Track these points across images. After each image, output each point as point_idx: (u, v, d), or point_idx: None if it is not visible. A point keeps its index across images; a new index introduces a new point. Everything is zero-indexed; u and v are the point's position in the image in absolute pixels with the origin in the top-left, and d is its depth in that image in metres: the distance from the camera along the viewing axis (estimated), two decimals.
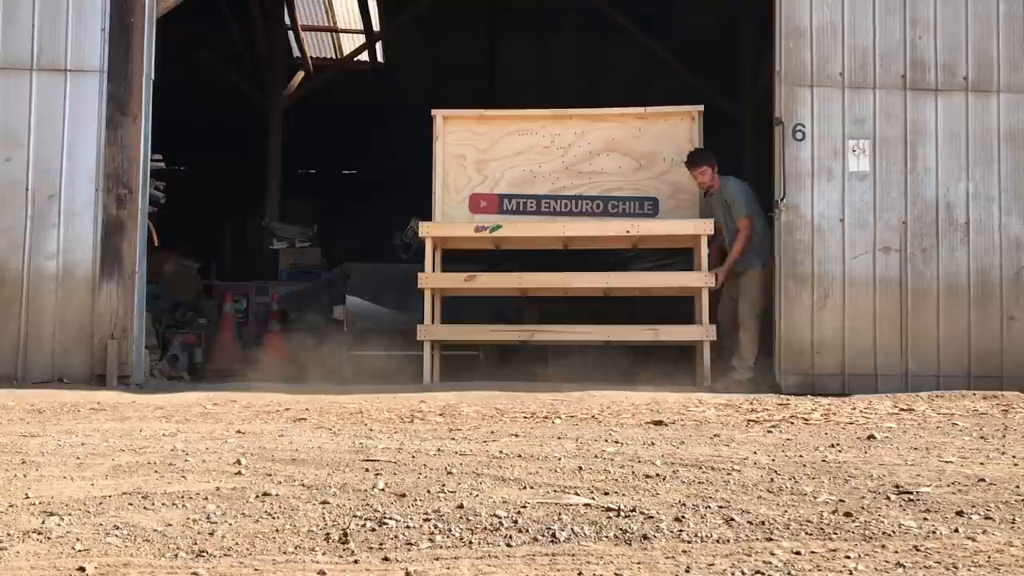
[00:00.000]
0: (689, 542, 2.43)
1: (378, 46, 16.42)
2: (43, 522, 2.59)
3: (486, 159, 8.28)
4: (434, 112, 8.41)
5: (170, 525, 2.57)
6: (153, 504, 2.82)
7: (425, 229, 8.00)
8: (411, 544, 2.40)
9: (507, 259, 8.79)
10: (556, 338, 8.09)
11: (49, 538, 2.44)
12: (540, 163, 8.21)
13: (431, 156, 8.42)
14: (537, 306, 9.19)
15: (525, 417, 5.32)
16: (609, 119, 8.24)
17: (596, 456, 3.75)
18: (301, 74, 15.72)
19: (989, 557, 2.30)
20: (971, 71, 7.72)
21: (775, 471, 3.41)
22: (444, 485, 3.10)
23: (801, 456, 3.79)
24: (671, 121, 8.13)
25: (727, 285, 7.95)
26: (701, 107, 8.13)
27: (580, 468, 3.45)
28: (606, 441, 4.20)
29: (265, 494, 2.95)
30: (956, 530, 2.56)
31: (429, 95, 15.54)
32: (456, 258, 8.51)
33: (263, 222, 13.45)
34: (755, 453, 3.86)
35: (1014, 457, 3.82)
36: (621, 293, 8.26)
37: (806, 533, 2.52)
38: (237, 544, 2.40)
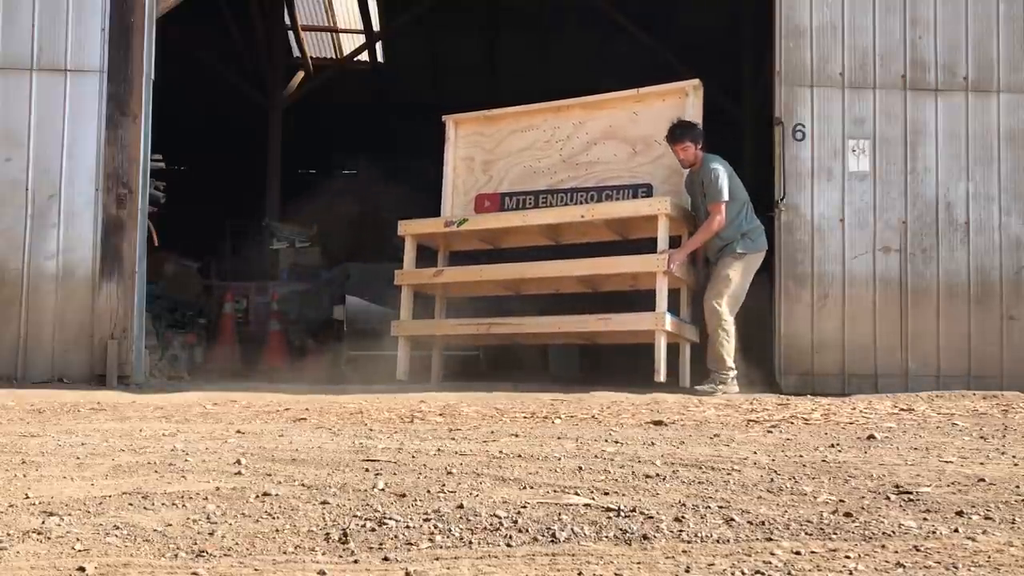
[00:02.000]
0: (689, 542, 2.43)
1: (378, 46, 16.43)
2: (43, 522, 2.59)
3: (492, 159, 8.28)
4: (445, 118, 8.49)
5: (170, 525, 2.57)
6: (153, 504, 2.82)
7: (403, 227, 8.08)
8: (411, 544, 2.40)
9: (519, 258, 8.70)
10: (512, 331, 7.88)
11: (49, 538, 2.43)
12: (540, 158, 8.07)
13: (433, 156, 8.47)
14: (538, 306, 9.19)
15: (525, 417, 5.32)
16: (606, 105, 7.96)
17: (596, 456, 3.75)
18: (301, 74, 15.75)
19: (989, 557, 2.30)
20: (971, 71, 7.73)
21: (775, 471, 3.41)
22: (444, 485, 3.10)
23: (801, 456, 3.79)
24: (669, 101, 7.67)
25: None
26: (696, 81, 7.63)
27: (580, 468, 3.45)
28: (606, 441, 4.20)
29: (265, 494, 2.95)
30: (956, 530, 2.56)
31: (430, 95, 15.55)
32: (458, 259, 8.53)
33: (263, 222, 13.45)
34: (755, 453, 3.86)
35: (1014, 457, 3.82)
36: (583, 281, 7.81)
37: (806, 533, 2.52)
38: (237, 544, 2.40)
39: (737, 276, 7.18)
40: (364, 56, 16.65)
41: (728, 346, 7.10)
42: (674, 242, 7.26)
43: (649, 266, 7.08)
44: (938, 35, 7.74)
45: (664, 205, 7.08)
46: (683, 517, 2.66)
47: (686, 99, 7.53)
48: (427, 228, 8.10)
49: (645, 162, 7.70)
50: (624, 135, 7.83)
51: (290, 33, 15.83)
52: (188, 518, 2.65)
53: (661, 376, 6.84)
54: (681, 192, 7.47)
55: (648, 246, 7.28)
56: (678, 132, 7.19)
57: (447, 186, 8.36)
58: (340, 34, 16.61)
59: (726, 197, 7.13)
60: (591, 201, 7.70)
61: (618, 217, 7.38)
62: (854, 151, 7.66)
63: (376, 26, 15.90)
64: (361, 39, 16.37)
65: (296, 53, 16.05)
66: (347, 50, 16.64)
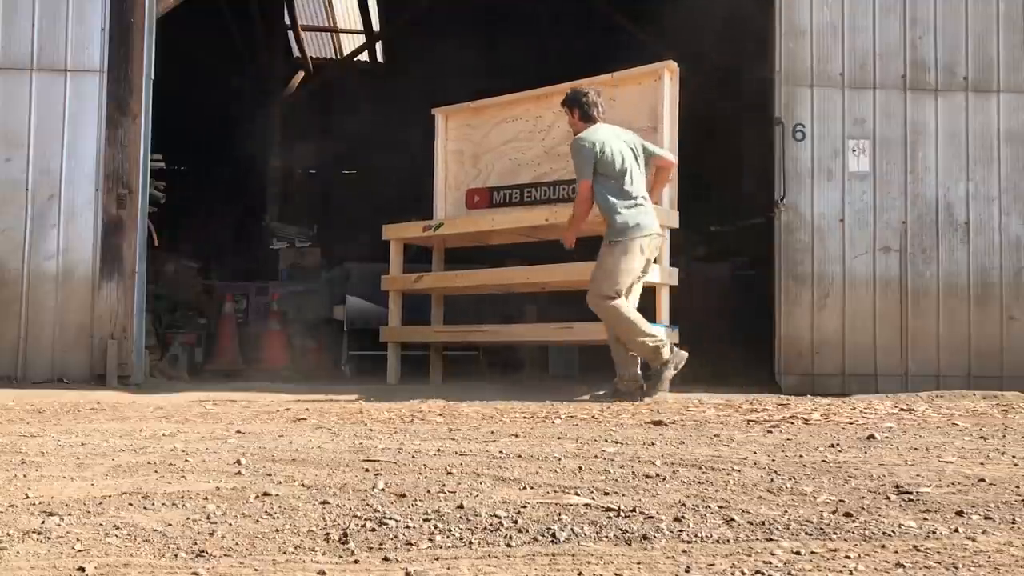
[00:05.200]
0: (689, 542, 2.43)
1: (378, 46, 16.44)
2: (43, 522, 2.59)
3: (480, 152, 8.23)
4: (435, 111, 8.47)
5: (170, 525, 2.57)
6: (153, 504, 2.81)
7: (387, 232, 8.10)
8: (411, 544, 2.40)
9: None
10: (488, 338, 7.92)
11: (49, 538, 2.43)
12: (524, 150, 7.95)
13: (432, 154, 8.46)
14: (537, 306, 9.21)
15: (525, 417, 5.32)
16: None
17: (596, 456, 3.75)
18: (301, 74, 15.74)
19: (989, 557, 2.30)
20: (971, 71, 7.74)
21: (775, 471, 3.41)
22: (444, 485, 3.10)
23: (801, 456, 3.79)
24: (644, 84, 7.31)
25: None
26: (672, 63, 7.25)
27: (580, 468, 3.45)
28: (606, 441, 4.20)
29: (265, 494, 2.95)
30: (956, 530, 2.55)
31: (429, 95, 15.53)
32: (460, 259, 8.54)
33: (263, 222, 13.45)
34: (755, 453, 3.85)
35: (1014, 457, 3.82)
36: (548, 287, 7.63)
37: (806, 533, 2.52)
38: (237, 544, 2.39)
39: (611, 261, 6.38)
40: (364, 56, 16.66)
41: (632, 328, 6.29)
42: None
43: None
44: (938, 35, 7.74)
45: None
46: (683, 517, 2.66)
47: (661, 82, 7.19)
48: (409, 232, 8.12)
49: None
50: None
51: (290, 33, 15.84)
52: (188, 518, 2.65)
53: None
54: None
55: None
56: (565, 97, 6.83)
57: (438, 181, 8.33)
58: (340, 34, 16.62)
59: (579, 176, 6.51)
60: (573, 194, 7.33)
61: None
62: (854, 151, 7.66)
63: (376, 26, 15.91)
64: (361, 39, 16.38)
65: (296, 53, 16.06)
66: (347, 50, 16.66)
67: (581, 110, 6.69)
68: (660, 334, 6.41)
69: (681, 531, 2.52)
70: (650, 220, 6.47)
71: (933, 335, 7.60)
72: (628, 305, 6.36)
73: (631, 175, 6.49)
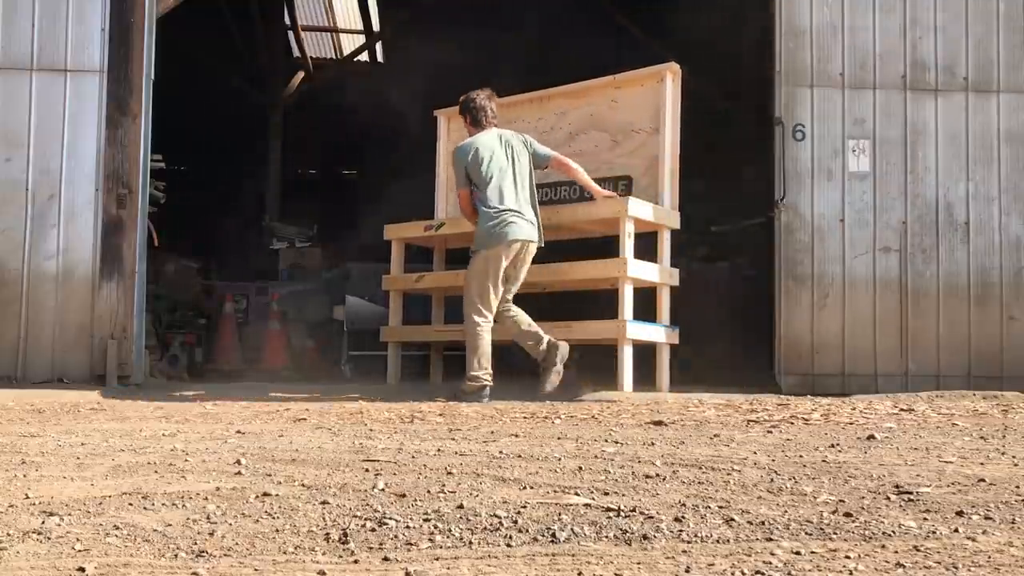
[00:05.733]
0: (689, 542, 2.43)
1: (378, 46, 16.44)
2: (43, 522, 2.59)
3: None
4: (437, 112, 8.49)
5: (170, 525, 2.57)
6: (153, 504, 2.81)
7: (388, 231, 8.07)
8: (411, 544, 2.40)
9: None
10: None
11: (49, 538, 2.43)
12: None
13: (433, 155, 8.46)
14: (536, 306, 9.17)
15: (525, 417, 5.32)
16: (587, 93, 7.73)
17: (596, 456, 3.75)
18: (301, 74, 15.75)
19: (989, 557, 2.30)
20: (971, 71, 7.74)
21: (775, 471, 3.41)
22: (444, 485, 3.10)
23: (801, 456, 3.79)
24: (647, 86, 7.32)
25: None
26: (674, 65, 7.29)
27: (580, 468, 3.44)
28: (606, 441, 4.20)
29: (265, 494, 2.95)
30: (956, 530, 2.55)
31: (429, 95, 15.54)
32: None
33: (263, 222, 13.46)
34: (755, 453, 3.85)
35: (1014, 457, 3.82)
36: (547, 287, 7.51)
37: (806, 533, 2.52)
38: (237, 544, 2.39)
39: (468, 275, 6.61)
40: (364, 56, 16.67)
41: (472, 354, 6.42)
42: (649, 238, 7.11)
43: (616, 271, 6.72)
44: (938, 35, 7.74)
45: (622, 206, 6.72)
46: (683, 517, 2.66)
47: (663, 84, 7.20)
48: (410, 232, 8.10)
49: (624, 153, 7.42)
50: (604, 124, 7.57)
51: (290, 33, 15.84)
52: (188, 518, 2.65)
53: (624, 386, 6.57)
54: (661, 182, 7.14)
55: (646, 238, 7.13)
56: (460, 103, 6.96)
57: (440, 183, 8.35)
58: (340, 34, 16.63)
59: (456, 185, 6.75)
60: (574, 196, 7.49)
61: (584, 220, 7.14)
62: (854, 151, 7.66)
63: (376, 26, 15.91)
64: (361, 39, 16.39)
65: (296, 53, 16.07)
66: (347, 50, 16.67)
67: (471, 116, 6.85)
68: (484, 382, 6.42)
69: (681, 531, 2.52)
70: (513, 230, 6.44)
71: (933, 335, 7.60)
72: (486, 334, 6.45)
73: (501, 184, 6.50)
